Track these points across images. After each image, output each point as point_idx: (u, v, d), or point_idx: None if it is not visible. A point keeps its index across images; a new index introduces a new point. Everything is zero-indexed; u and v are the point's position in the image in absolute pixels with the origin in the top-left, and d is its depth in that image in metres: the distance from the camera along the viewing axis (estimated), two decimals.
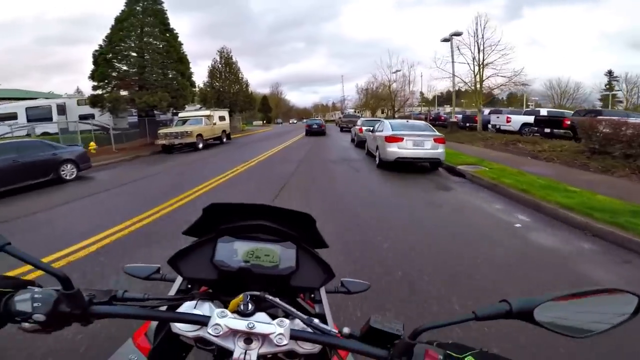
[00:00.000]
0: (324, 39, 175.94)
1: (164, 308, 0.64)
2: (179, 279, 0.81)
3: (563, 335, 0.54)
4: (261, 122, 66.59)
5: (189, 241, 0.81)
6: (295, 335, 0.59)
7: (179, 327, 0.60)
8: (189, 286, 0.80)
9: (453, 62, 19.39)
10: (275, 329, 0.57)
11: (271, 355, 0.60)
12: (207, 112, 19.31)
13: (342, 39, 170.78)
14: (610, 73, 49.06)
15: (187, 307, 0.63)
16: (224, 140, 20.20)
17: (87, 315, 0.56)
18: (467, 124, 22.74)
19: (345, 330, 0.61)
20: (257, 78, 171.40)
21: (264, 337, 0.58)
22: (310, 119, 36.09)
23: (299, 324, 0.61)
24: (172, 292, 0.79)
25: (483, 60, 19.19)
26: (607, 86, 48.30)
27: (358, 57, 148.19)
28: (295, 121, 60.52)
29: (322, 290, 0.81)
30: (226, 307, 0.62)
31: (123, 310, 0.58)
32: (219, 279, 0.75)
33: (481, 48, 19.10)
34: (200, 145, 16.49)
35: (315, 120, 30.83)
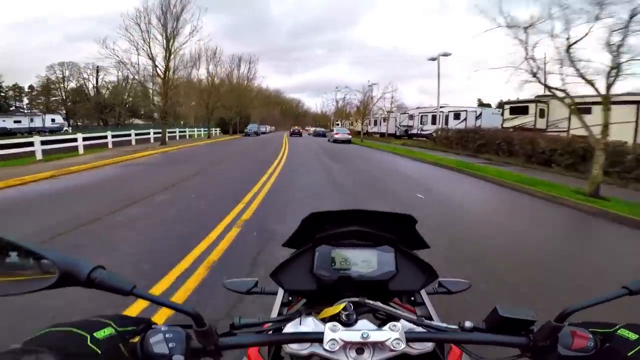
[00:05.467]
0: (346, 46, 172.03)
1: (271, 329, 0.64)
2: (281, 292, 0.82)
3: None
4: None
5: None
6: (412, 338, 0.57)
7: (292, 347, 0.58)
8: (290, 298, 0.82)
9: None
10: (390, 334, 0.55)
11: None
12: None
13: (364, 46, 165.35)
14: None
15: (293, 324, 0.62)
16: None
17: (219, 349, 0.54)
18: None
19: (468, 324, 0.58)
20: (278, 83, 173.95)
21: (374, 345, 0.56)
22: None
23: (406, 326, 0.59)
24: (276, 305, 0.81)
25: None
26: None
27: (380, 65, 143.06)
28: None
29: (423, 292, 0.80)
30: (325, 318, 0.61)
31: (247, 339, 0.58)
32: (317, 289, 0.74)
33: None
34: None
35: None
